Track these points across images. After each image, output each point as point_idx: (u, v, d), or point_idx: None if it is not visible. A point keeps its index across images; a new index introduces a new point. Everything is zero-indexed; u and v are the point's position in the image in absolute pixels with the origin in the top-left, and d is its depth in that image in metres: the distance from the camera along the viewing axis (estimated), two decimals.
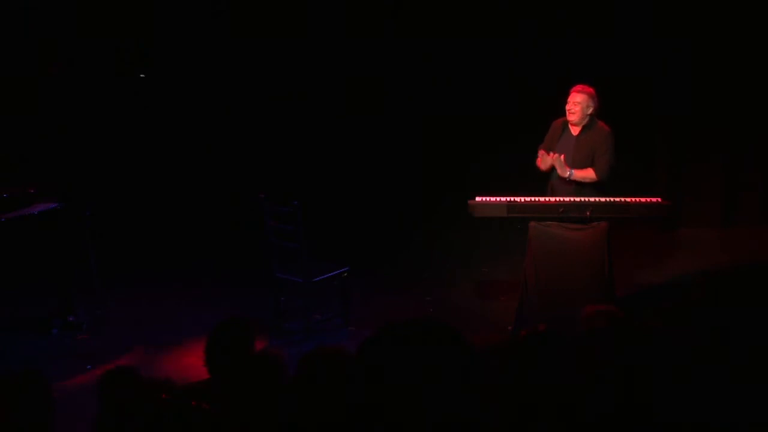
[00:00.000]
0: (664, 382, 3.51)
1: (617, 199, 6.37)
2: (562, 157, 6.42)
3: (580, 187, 6.48)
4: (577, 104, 6.44)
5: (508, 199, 6.46)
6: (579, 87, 6.48)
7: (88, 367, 6.37)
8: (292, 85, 9.41)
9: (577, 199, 6.40)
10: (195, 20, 9.20)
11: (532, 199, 6.48)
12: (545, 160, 6.48)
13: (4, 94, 8.77)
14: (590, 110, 6.46)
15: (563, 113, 6.52)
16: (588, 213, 6.32)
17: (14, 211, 6.84)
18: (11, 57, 8.81)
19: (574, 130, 6.54)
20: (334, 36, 9.30)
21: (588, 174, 6.45)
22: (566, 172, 6.42)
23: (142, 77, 9.25)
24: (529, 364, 3.47)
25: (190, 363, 5.81)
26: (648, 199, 6.48)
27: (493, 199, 6.50)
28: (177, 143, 9.36)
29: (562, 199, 6.43)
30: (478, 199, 6.51)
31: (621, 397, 3.43)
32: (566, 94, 6.51)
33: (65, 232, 7.00)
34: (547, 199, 6.50)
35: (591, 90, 6.47)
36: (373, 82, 9.39)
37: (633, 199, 6.41)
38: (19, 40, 8.85)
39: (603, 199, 6.38)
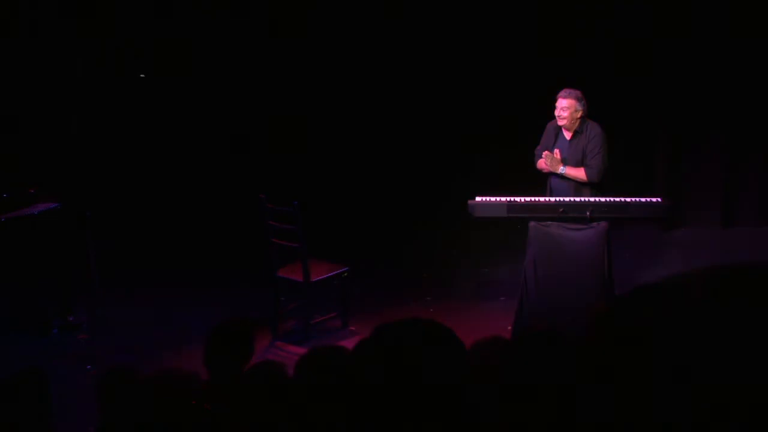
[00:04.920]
0: (663, 382, 3.51)
1: (617, 199, 6.38)
2: (557, 153, 6.45)
3: (579, 187, 6.50)
4: (565, 109, 6.45)
5: (508, 199, 6.47)
6: (564, 92, 6.47)
7: (88, 367, 6.37)
8: (291, 85, 9.41)
9: (577, 199, 6.41)
10: (194, 19, 9.20)
11: (532, 199, 6.48)
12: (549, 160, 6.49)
13: (4, 94, 8.77)
14: (579, 113, 6.47)
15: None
16: (588, 213, 6.32)
17: (14, 211, 6.85)
18: (13, 57, 8.81)
19: (567, 134, 6.56)
20: (335, 36, 9.30)
21: (579, 174, 6.46)
22: (559, 168, 6.45)
23: (142, 77, 9.25)
24: (529, 364, 3.47)
25: (190, 363, 5.79)
26: (648, 199, 6.49)
27: (493, 199, 6.50)
28: (177, 143, 9.35)
29: (562, 199, 6.44)
30: (478, 199, 6.51)
31: (620, 398, 3.43)
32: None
33: (65, 232, 7.00)
34: (547, 199, 6.51)
35: (577, 92, 6.46)
36: (373, 82, 9.38)
37: (633, 199, 6.41)
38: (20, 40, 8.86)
39: (603, 199, 6.38)
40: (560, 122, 6.51)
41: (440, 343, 3.00)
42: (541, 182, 6.71)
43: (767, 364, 3.49)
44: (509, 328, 6.63)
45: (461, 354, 3.17)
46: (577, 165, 6.49)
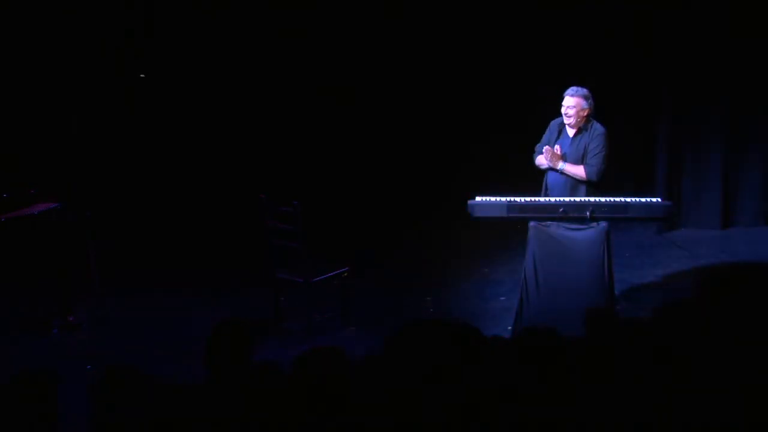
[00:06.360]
0: (662, 382, 3.51)
1: (617, 199, 6.38)
2: (557, 149, 6.46)
3: (575, 185, 6.50)
4: (572, 108, 6.45)
5: (508, 199, 6.47)
6: (571, 90, 6.48)
7: (88, 367, 6.37)
8: (292, 85, 9.41)
9: (577, 199, 6.42)
10: (194, 19, 9.20)
11: (532, 199, 6.49)
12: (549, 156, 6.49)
13: (4, 94, 8.77)
14: (585, 112, 6.47)
15: (560, 113, 6.55)
16: (588, 213, 6.33)
17: (14, 211, 6.85)
18: (13, 57, 8.82)
19: (571, 132, 6.57)
20: (334, 36, 9.30)
21: (578, 171, 6.47)
22: (559, 164, 6.46)
23: (142, 77, 9.25)
24: (529, 364, 3.47)
25: (190, 363, 5.80)
26: (648, 199, 6.49)
27: (492, 198, 6.50)
28: (177, 143, 9.35)
29: (562, 199, 6.45)
30: (477, 198, 6.51)
31: (620, 398, 3.44)
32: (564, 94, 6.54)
33: (65, 232, 7.00)
34: (547, 199, 6.51)
35: (584, 91, 6.47)
36: (374, 82, 9.39)
37: (633, 199, 6.42)
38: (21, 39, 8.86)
39: (603, 199, 6.39)
40: (566, 120, 6.51)
41: (474, 345, 2.99)
42: (541, 182, 6.71)
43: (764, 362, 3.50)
44: (509, 328, 6.63)
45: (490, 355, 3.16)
46: (576, 163, 6.50)
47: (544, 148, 6.51)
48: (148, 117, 9.36)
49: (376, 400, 3.11)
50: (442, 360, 2.90)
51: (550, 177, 6.62)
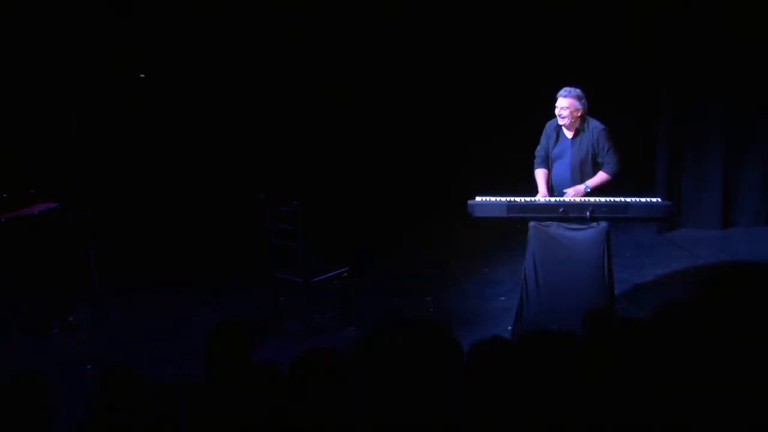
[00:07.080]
0: (662, 383, 3.51)
1: (617, 199, 6.39)
2: (571, 191, 6.47)
3: (578, 178, 6.53)
4: (565, 109, 6.46)
5: (508, 199, 6.47)
6: (564, 91, 6.48)
7: (88, 367, 6.37)
8: (292, 85, 9.42)
9: (577, 199, 6.42)
10: (194, 19, 9.20)
11: (532, 199, 6.49)
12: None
13: (4, 94, 8.77)
14: (579, 112, 6.48)
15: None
16: (588, 213, 6.33)
17: (14, 211, 6.86)
18: (13, 57, 8.82)
19: (569, 134, 6.57)
20: (334, 36, 9.30)
21: (601, 179, 6.51)
22: (582, 189, 6.49)
23: (142, 77, 9.25)
24: (528, 364, 3.47)
25: (190, 363, 5.80)
26: (648, 199, 6.50)
27: (492, 198, 6.50)
28: (177, 143, 9.36)
29: (562, 199, 6.45)
30: (477, 198, 6.52)
31: (620, 398, 3.43)
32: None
33: (65, 232, 7.01)
34: (547, 199, 6.51)
35: (577, 91, 6.47)
36: (374, 82, 9.39)
37: (633, 199, 6.42)
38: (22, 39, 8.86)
39: (603, 199, 6.39)
40: (561, 121, 6.52)
41: (436, 343, 3.00)
42: None
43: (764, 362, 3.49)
44: (509, 328, 6.63)
45: (457, 353, 3.17)
46: (581, 163, 6.51)
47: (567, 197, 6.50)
48: (148, 117, 9.36)
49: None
50: (431, 359, 2.90)
51: (555, 178, 6.64)
